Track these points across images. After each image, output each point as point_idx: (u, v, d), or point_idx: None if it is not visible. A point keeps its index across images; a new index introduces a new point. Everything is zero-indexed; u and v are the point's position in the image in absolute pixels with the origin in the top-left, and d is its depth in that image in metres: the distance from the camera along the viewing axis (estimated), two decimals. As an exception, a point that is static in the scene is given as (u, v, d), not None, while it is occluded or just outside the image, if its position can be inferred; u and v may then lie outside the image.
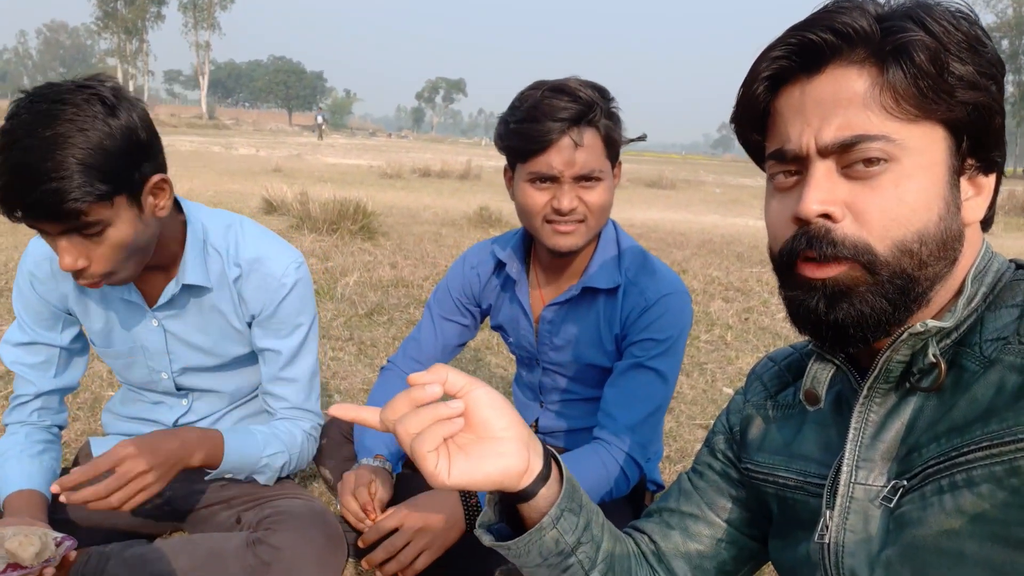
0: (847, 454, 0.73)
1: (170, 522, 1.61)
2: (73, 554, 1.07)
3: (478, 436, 0.71)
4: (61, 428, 1.58)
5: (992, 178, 0.72)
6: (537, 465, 0.75)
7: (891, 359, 0.70)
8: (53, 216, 1.14)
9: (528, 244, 1.61)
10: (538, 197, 1.40)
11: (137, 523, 1.52)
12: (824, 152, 0.68)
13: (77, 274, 1.23)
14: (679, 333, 1.46)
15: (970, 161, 0.70)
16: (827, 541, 0.73)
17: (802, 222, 0.69)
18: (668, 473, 2.29)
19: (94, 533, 1.41)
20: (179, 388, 1.57)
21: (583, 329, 1.53)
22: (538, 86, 1.40)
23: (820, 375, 0.76)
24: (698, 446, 2.47)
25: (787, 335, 3.94)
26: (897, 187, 0.66)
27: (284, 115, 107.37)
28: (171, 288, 1.42)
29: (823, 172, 0.69)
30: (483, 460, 0.70)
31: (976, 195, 0.71)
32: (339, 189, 8.71)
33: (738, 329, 4.07)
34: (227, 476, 1.45)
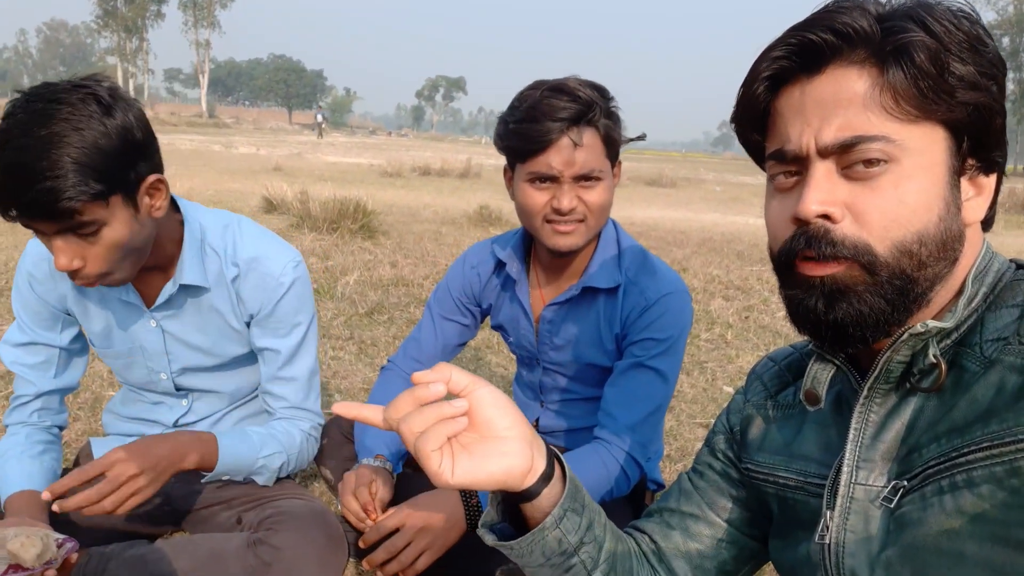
0: (847, 454, 0.73)
1: (171, 523, 1.61)
2: (74, 556, 1.07)
3: (481, 435, 0.71)
4: (61, 428, 1.58)
5: (993, 178, 0.72)
6: (540, 465, 0.75)
7: (891, 359, 0.70)
8: (48, 215, 1.14)
9: (528, 244, 1.60)
10: (538, 197, 1.40)
11: (138, 524, 1.52)
12: (824, 153, 0.68)
13: (72, 274, 1.23)
14: (679, 332, 1.46)
15: (971, 161, 0.70)
16: (827, 541, 0.73)
17: (801, 222, 0.69)
18: (668, 472, 2.29)
19: (95, 534, 1.41)
20: (178, 388, 1.57)
21: (583, 329, 1.53)
22: (537, 86, 1.40)
23: (820, 375, 0.76)
24: (698, 445, 2.47)
25: (787, 333, 3.93)
26: (897, 188, 0.66)
27: (284, 113, 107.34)
28: (168, 288, 1.42)
29: (823, 173, 0.68)
30: (487, 459, 0.70)
31: (977, 195, 0.71)
32: (339, 188, 8.71)
33: (738, 328, 4.07)
34: (224, 478, 1.45)
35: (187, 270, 1.40)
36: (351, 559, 1.51)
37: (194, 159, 15.81)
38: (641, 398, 1.43)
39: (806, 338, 0.76)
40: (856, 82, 0.67)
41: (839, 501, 0.73)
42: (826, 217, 0.68)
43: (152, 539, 1.50)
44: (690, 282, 5.09)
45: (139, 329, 1.49)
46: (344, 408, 0.72)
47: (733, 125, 0.79)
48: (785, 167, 0.72)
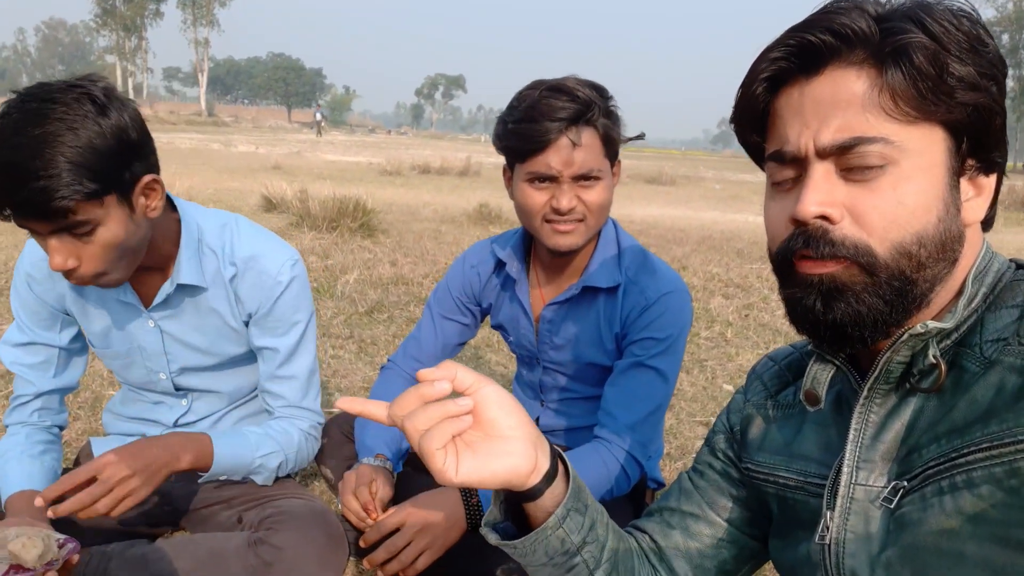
0: (847, 455, 0.73)
1: (171, 522, 1.61)
2: (75, 558, 1.07)
3: (486, 434, 0.71)
4: (61, 428, 1.58)
5: (993, 178, 0.72)
6: (544, 464, 0.75)
7: (891, 360, 0.70)
8: (42, 215, 1.14)
9: (528, 243, 1.60)
10: (537, 197, 1.40)
11: (139, 523, 1.52)
12: (822, 154, 0.68)
13: (67, 274, 1.23)
14: (679, 332, 1.46)
15: (970, 162, 0.70)
16: (828, 542, 0.73)
17: (800, 223, 0.69)
18: (669, 471, 2.29)
19: (96, 533, 1.41)
20: (178, 388, 1.57)
21: (583, 328, 1.53)
22: (536, 86, 1.40)
23: (820, 376, 0.76)
24: (699, 443, 2.48)
25: (787, 331, 3.94)
26: (896, 189, 0.66)
27: (283, 112, 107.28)
28: (166, 288, 1.42)
29: (821, 174, 0.68)
30: (491, 458, 0.70)
31: (976, 196, 0.71)
32: (338, 186, 8.71)
33: (738, 326, 4.07)
34: (222, 478, 1.45)
35: (184, 270, 1.40)
36: (351, 558, 1.51)
37: (193, 158, 15.80)
38: (641, 397, 1.43)
39: (805, 338, 0.76)
40: (855, 83, 0.67)
41: (839, 501, 0.73)
42: (825, 218, 0.68)
43: (153, 538, 1.50)
44: (690, 280, 5.09)
45: (137, 329, 1.49)
46: (348, 403, 0.71)
47: (732, 126, 0.79)
48: (784, 168, 0.72)
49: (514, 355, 1.75)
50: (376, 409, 0.71)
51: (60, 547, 1.05)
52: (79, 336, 1.55)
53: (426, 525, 1.30)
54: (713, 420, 2.66)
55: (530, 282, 1.60)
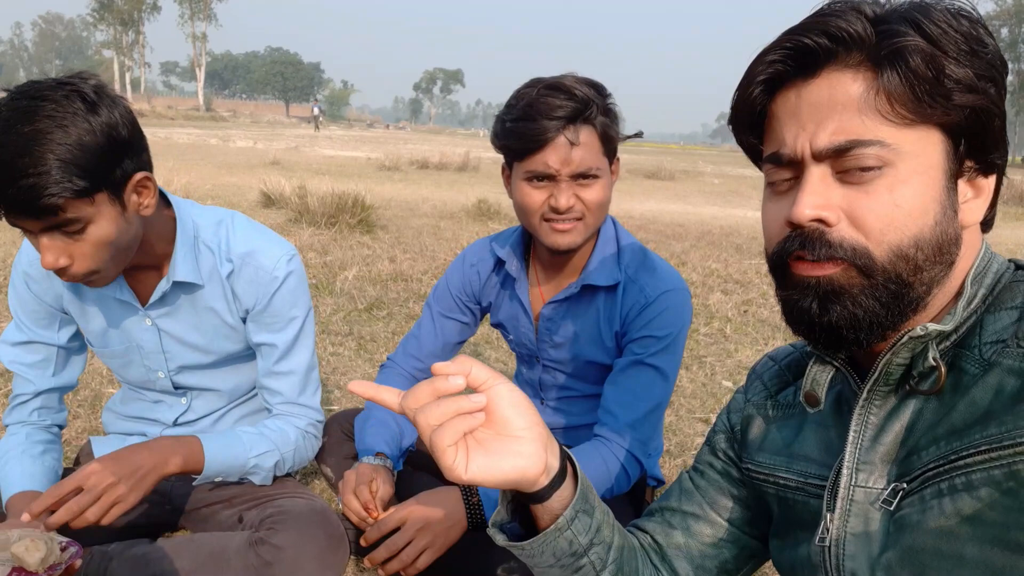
0: (847, 456, 0.73)
1: (172, 522, 1.61)
2: (78, 563, 1.07)
3: (497, 433, 0.70)
4: (61, 427, 1.58)
5: (992, 179, 0.71)
6: (554, 466, 0.75)
7: (891, 362, 0.70)
8: (31, 212, 1.14)
9: (527, 241, 1.60)
10: (535, 195, 1.40)
11: (139, 523, 1.52)
12: (819, 157, 0.68)
13: (59, 272, 1.22)
14: (679, 330, 1.46)
15: (968, 163, 0.69)
16: (827, 543, 0.73)
17: (796, 226, 0.69)
18: (668, 468, 2.30)
19: (97, 533, 1.41)
20: (177, 387, 1.57)
21: (583, 326, 1.53)
22: (534, 84, 1.40)
23: (820, 377, 0.76)
24: (698, 440, 2.49)
25: (786, 328, 3.91)
26: (892, 192, 0.66)
27: (281, 107, 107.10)
28: (162, 286, 1.41)
29: (818, 177, 0.68)
30: (501, 458, 0.70)
31: (975, 197, 0.71)
32: (337, 182, 8.69)
33: (737, 322, 4.07)
34: (218, 479, 1.45)
35: (180, 267, 1.40)
36: (352, 557, 1.52)
37: (191, 153, 15.77)
38: (641, 396, 1.43)
39: (801, 339, 0.76)
40: (851, 86, 0.67)
41: (839, 503, 0.73)
42: (820, 221, 0.68)
43: (153, 538, 1.50)
44: (689, 276, 5.09)
45: (135, 328, 1.48)
46: (361, 387, 0.71)
47: (730, 127, 0.79)
48: (781, 170, 0.72)
49: (513, 353, 1.76)
50: (388, 395, 0.71)
51: (63, 550, 1.05)
52: (78, 335, 1.55)
53: (427, 524, 1.30)
54: (712, 416, 2.68)
55: (530, 280, 1.60)
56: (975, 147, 0.68)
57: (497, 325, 1.71)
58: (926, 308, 0.70)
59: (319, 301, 3.97)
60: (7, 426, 1.52)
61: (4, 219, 1.16)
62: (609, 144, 1.42)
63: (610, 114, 1.41)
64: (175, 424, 1.59)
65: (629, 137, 1.51)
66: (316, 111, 48.35)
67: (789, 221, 0.69)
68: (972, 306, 0.70)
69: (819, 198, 0.68)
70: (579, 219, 1.41)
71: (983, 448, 0.62)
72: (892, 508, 0.69)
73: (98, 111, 1.16)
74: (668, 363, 1.45)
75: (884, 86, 0.65)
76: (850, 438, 0.73)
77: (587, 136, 1.37)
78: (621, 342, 1.50)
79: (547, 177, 1.38)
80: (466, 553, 1.33)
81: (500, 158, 1.49)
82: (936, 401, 0.68)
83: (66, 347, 1.53)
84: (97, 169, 1.15)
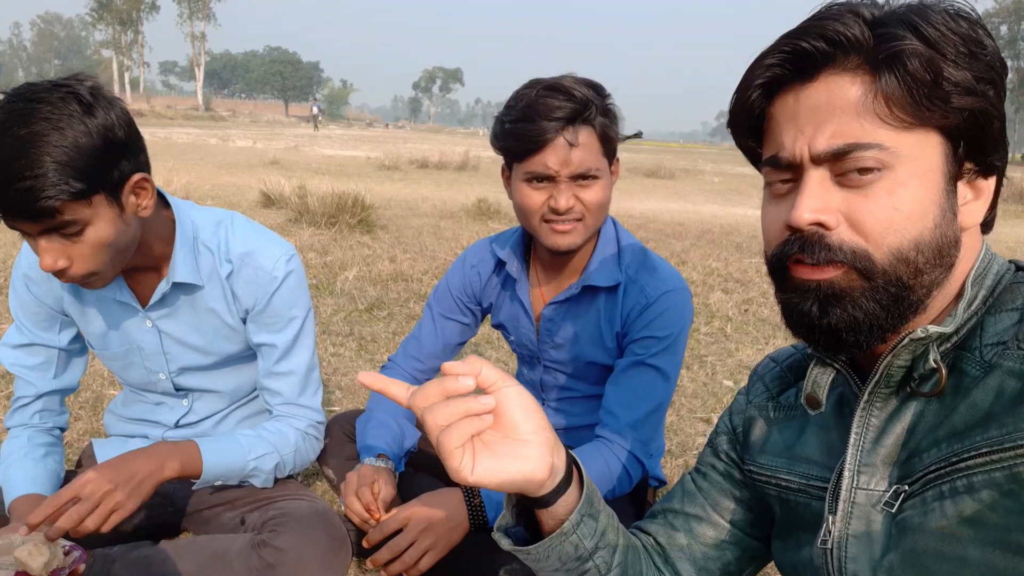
0: (848, 459, 0.73)
1: (174, 524, 1.61)
2: (81, 567, 1.07)
3: (504, 436, 0.70)
4: (63, 430, 1.58)
5: (992, 181, 0.71)
6: (560, 471, 0.75)
7: (892, 364, 0.70)
8: (28, 215, 1.14)
9: (528, 242, 1.60)
10: (535, 197, 1.40)
11: (142, 525, 1.52)
12: (817, 160, 0.68)
13: (58, 275, 1.22)
14: (680, 331, 1.46)
15: (968, 165, 0.69)
16: (829, 545, 0.73)
17: (795, 229, 0.69)
18: (670, 468, 2.30)
19: (99, 535, 1.42)
20: (178, 388, 1.57)
21: (584, 327, 1.53)
22: (533, 84, 1.40)
23: (821, 379, 0.76)
24: (699, 439, 2.49)
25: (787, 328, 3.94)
26: (891, 195, 0.66)
27: (281, 106, 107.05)
28: (162, 287, 1.41)
29: (816, 180, 0.68)
30: (508, 461, 0.69)
31: (975, 199, 0.71)
32: (337, 182, 8.70)
33: (738, 321, 4.07)
34: (218, 483, 1.45)
35: (179, 268, 1.40)
36: (354, 559, 1.52)
37: (191, 152, 15.77)
38: (642, 396, 1.43)
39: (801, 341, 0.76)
40: (849, 89, 0.67)
41: (841, 505, 0.73)
42: (819, 225, 0.68)
43: (156, 541, 1.50)
44: (689, 275, 5.09)
45: (135, 330, 1.49)
46: (370, 379, 0.70)
47: (729, 130, 0.79)
48: (780, 173, 0.72)
49: (514, 353, 1.76)
50: (397, 389, 0.70)
51: (66, 554, 1.05)
52: (78, 337, 1.55)
53: (429, 525, 1.30)
54: (713, 416, 2.68)
55: (530, 281, 1.60)
56: (974, 149, 0.69)
57: (498, 326, 1.71)
58: (926, 310, 0.70)
59: (319, 301, 3.97)
60: (8, 429, 1.52)
61: (3, 222, 1.16)
62: (608, 145, 1.42)
63: (609, 114, 1.41)
64: (177, 426, 1.59)
65: (629, 137, 1.51)
66: (315, 110, 48.28)
67: (788, 225, 0.69)
68: (972, 308, 0.70)
69: (818, 201, 0.68)
70: (579, 220, 1.41)
71: (984, 450, 0.62)
72: (894, 510, 0.69)
73: (94, 113, 1.15)
74: (669, 363, 1.45)
75: (882, 89, 0.65)
76: (851, 440, 0.73)
77: (586, 137, 1.37)
78: (622, 343, 1.50)
79: (547, 178, 1.38)
80: (468, 554, 1.34)
81: (500, 157, 1.49)
82: (937, 403, 0.69)
83: (67, 349, 1.53)
84: (94, 171, 1.15)
